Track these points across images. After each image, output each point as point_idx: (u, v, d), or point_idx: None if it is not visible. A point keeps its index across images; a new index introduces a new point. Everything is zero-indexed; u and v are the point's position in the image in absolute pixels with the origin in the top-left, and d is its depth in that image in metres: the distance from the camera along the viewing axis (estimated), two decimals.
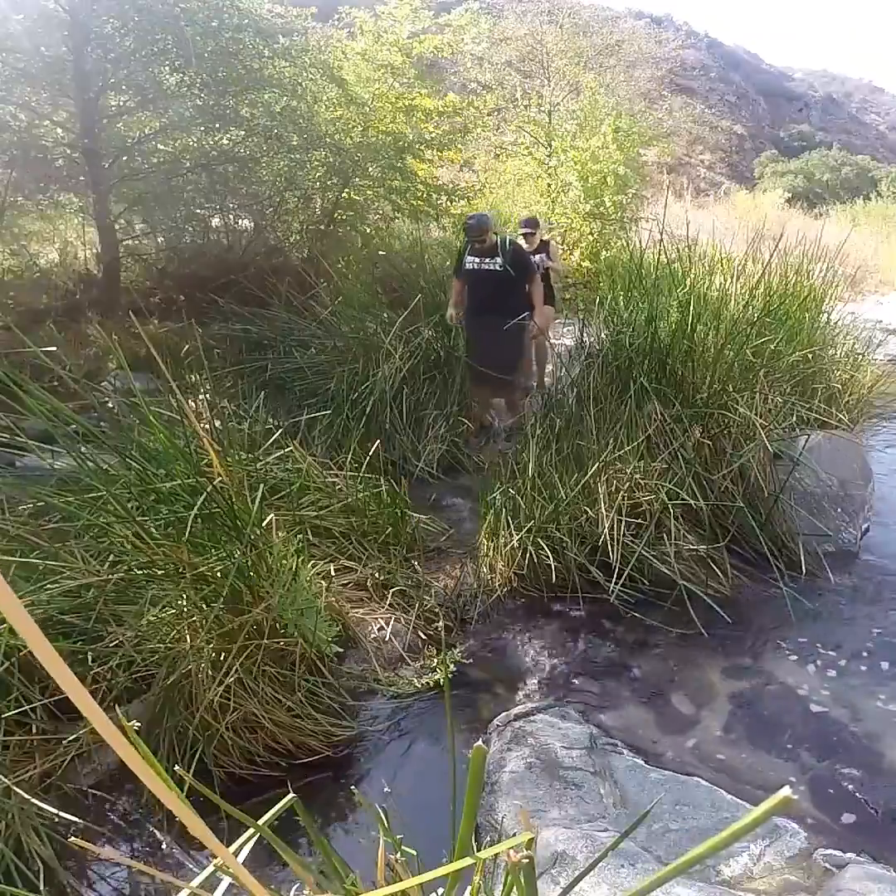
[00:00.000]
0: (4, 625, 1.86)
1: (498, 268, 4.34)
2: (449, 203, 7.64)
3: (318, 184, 6.83)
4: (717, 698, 2.45)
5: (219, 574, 2.12)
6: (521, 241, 5.14)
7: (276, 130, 5.98)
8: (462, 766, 2.11)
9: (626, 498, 3.06)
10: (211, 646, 2.10)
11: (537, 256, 5.14)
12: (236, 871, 0.52)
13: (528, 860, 0.61)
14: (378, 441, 3.37)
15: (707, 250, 4.85)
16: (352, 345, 4.71)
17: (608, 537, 2.92)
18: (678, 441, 3.24)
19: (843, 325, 4.93)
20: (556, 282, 5.47)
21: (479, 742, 0.63)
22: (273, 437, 3.00)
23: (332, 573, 2.75)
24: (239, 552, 2.11)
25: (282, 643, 2.22)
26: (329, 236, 7.14)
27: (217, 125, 5.99)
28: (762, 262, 4.24)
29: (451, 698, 2.44)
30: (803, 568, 3.10)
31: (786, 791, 0.41)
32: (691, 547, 3.05)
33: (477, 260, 4.37)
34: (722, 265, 4.48)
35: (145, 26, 5.12)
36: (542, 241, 5.36)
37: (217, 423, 3.11)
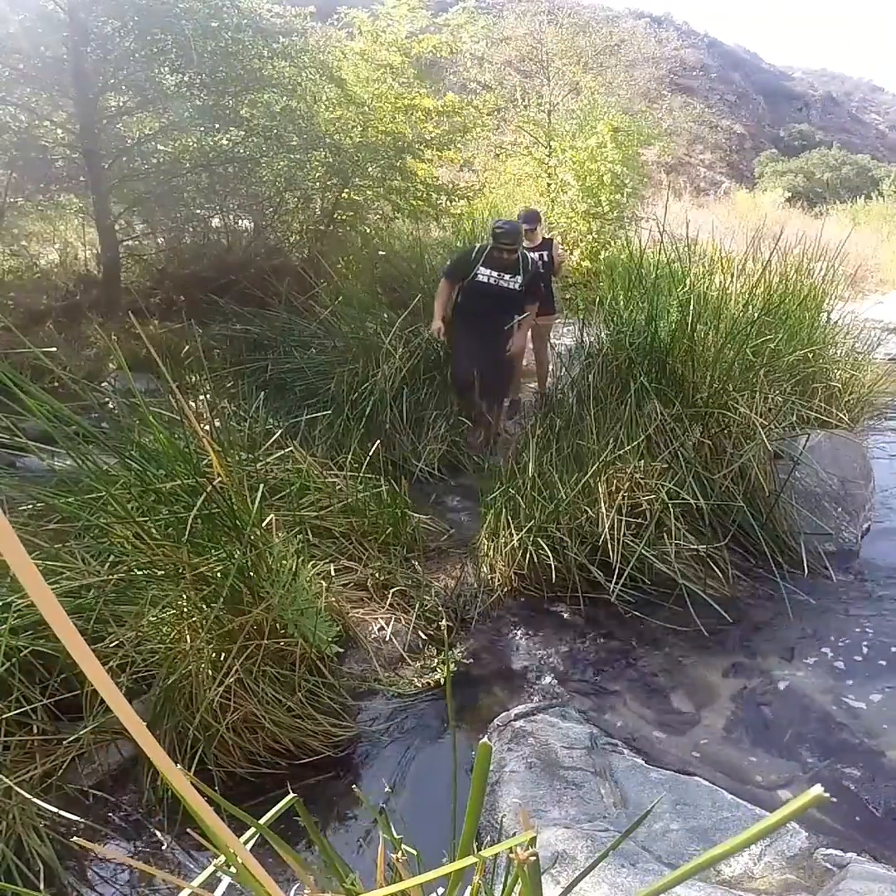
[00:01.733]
0: (5, 626, 1.87)
1: (517, 288, 3.92)
2: (449, 203, 7.64)
3: (317, 184, 6.83)
4: (718, 698, 2.45)
5: (219, 574, 2.12)
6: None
7: (275, 130, 5.98)
8: (463, 765, 2.12)
9: (626, 497, 3.06)
10: (211, 646, 2.10)
11: (535, 254, 4.86)
12: (246, 861, 0.52)
13: (533, 857, 0.60)
14: (378, 441, 3.37)
15: (707, 250, 4.85)
16: (352, 345, 4.70)
17: (608, 537, 2.92)
18: (678, 440, 3.24)
19: (844, 323, 4.93)
20: (556, 283, 5.26)
21: (484, 739, 0.63)
22: (273, 438, 3.00)
23: (333, 573, 2.75)
24: (239, 552, 2.11)
25: (282, 643, 2.22)
26: (329, 236, 7.14)
27: (217, 125, 5.99)
28: (762, 261, 4.24)
29: (452, 698, 2.44)
30: (804, 567, 3.09)
31: (817, 789, 0.41)
32: (692, 546, 3.05)
33: (495, 274, 3.90)
34: (722, 264, 4.48)
35: (145, 26, 5.11)
36: (544, 238, 5.04)
37: (217, 424, 3.11)
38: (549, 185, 9.62)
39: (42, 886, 1.69)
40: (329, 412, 4.00)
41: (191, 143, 6.29)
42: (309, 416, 3.76)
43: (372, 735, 2.29)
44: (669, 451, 3.22)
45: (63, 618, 0.34)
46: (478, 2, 7.96)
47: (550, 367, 5.05)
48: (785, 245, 4.52)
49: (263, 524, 2.32)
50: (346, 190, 6.86)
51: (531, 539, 2.99)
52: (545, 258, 4.89)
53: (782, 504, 3.29)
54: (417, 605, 2.83)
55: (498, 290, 3.91)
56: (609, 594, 2.84)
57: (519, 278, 3.90)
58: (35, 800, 1.79)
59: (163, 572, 2.11)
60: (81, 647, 0.36)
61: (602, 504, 3.00)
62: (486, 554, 3.14)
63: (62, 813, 1.78)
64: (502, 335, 4.02)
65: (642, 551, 2.93)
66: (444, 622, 2.79)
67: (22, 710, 1.94)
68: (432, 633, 2.76)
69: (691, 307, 3.58)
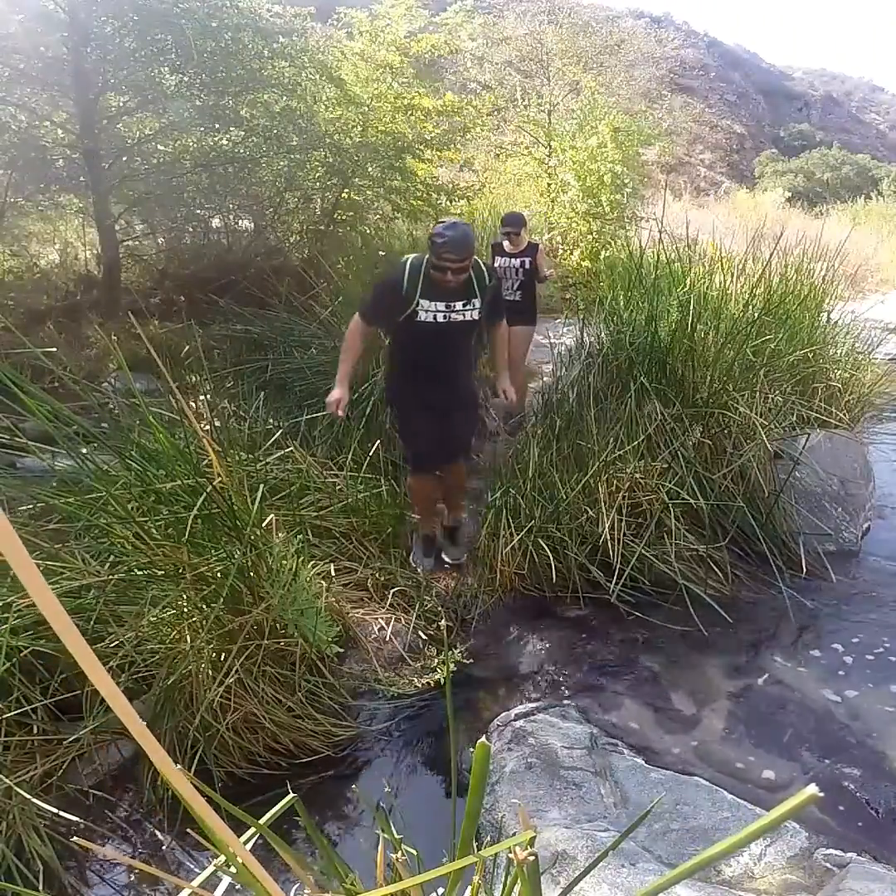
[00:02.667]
0: (5, 626, 1.87)
1: (475, 317, 2.75)
2: (449, 203, 7.65)
3: (317, 184, 6.84)
4: (718, 698, 2.45)
5: (219, 574, 2.12)
6: (504, 243, 4.57)
7: (275, 131, 5.98)
8: (463, 765, 2.12)
9: (626, 498, 3.06)
10: (211, 646, 2.10)
11: (517, 260, 4.50)
12: (246, 860, 0.52)
13: (532, 857, 0.61)
14: (378, 441, 3.37)
15: (707, 250, 4.85)
16: None
17: (608, 537, 2.92)
18: (678, 440, 3.24)
19: (844, 323, 4.93)
20: (540, 292, 4.74)
21: (483, 739, 0.63)
22: (273, 438, 3.00)
23: (333, 573, 2.75)
24: (239, 553, 2.11)
25: (282, 643, 2.22)
26: (329, 237, 7.14)
27: (217, 126, 5.99)
28: (762, 261, 4.24)
29: (452, 698, 2.44)
30: (804, 567, 3.10)
31: (812, 788, 0.41)
32: (692, 546, 3.05)
33: (442, 307, 2.67)
34: (722, 264, 4.48)
35: (145, 26, 5.11)
36: (529, 243, 4.60)
37: (217, 424, 3.11)
38: (549, 185, 9.63)
39: (42, 886, 1.69)
40: (329, 412, 3.99)
41: (191, 143, 6.29)
42: (309, 416, 3.76)
43: (372, 735, 2.29)
44: (669, 451, 3.22)
45: (65, 619, 0.34)
46: (476, 1, 7.96)
47: (529, 397, 4.76)
48: (785, 245, 4.52)
49: (263, 524, 2.32)
50: (346, 190, 6.86)
51: (531, 539, 2.99)
52: (527, 265, 4.50)
53: (782, 504, 3.29)
54: (417, 605, 2.83)
55: (453, 327, 2.72)
56: (609, 594, 2.84)
57: (476, 303, 2.72)
58: (35, 800, 1.79)
59: (163, 572, 2.11)
60: (83, 647, 0.36)
61: (602, 504, 3.00)
62: (486, 554, 3.14)
63: (62, 813, 1.78)
64: (458, 383, 2.96)
65: (642, 551, 2.93)
66: (443, 622, 2.80)
67: (22, 710, 1.94)
68: (432, 633, 2.76)
69: (691, 307, 3.58)
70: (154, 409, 2.32)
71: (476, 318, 2.77)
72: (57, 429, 2.06)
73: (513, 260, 4.54)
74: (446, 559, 3.10)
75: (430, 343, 2.75)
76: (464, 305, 2.71)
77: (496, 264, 4.57)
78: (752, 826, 0.46)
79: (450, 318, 2.70)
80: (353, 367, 2.91)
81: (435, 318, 2.68)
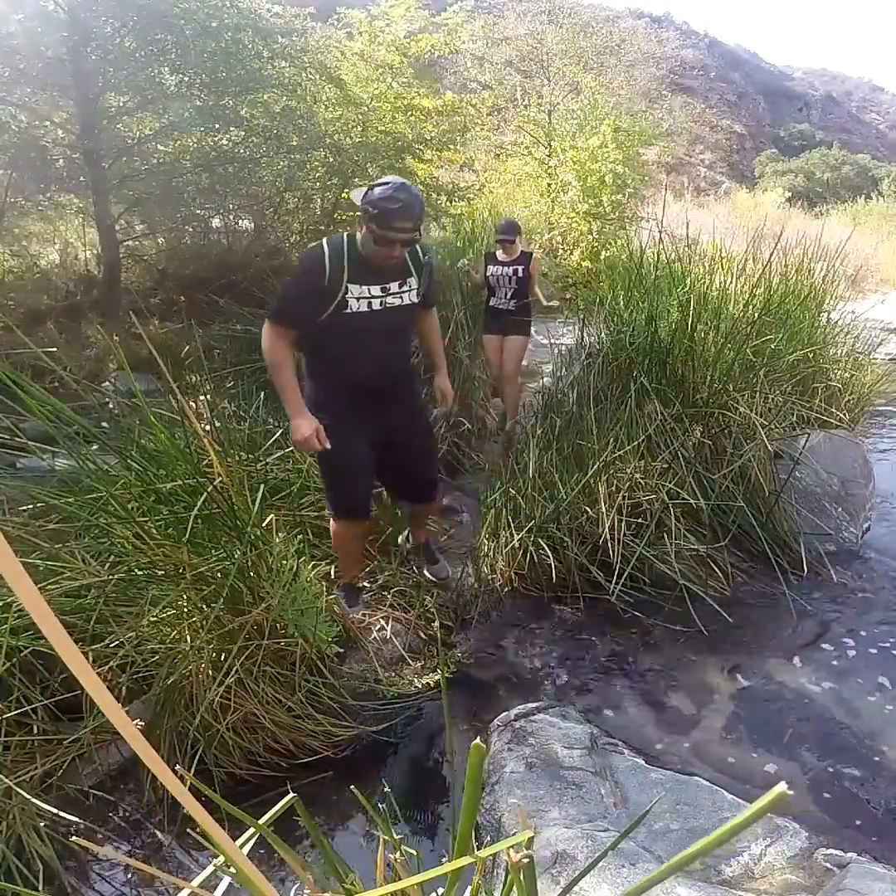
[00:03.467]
0: (5, 626, 1.87)
1: (413, 300, 2.34)
2: (448, 203, 7.65)
3: (317, 184, 6.85)
4: (718, 698, 2.45)
5: (219, 574, 2.12)
6: (497, 252, 4.48)
7: (275, 131, 6.00)
8: (462, 766, 2.11)
9: (626, 497, 3.06)
10: (211, 646, 2.10)
11: (510, 268, 4.42)
12: (242, 864, 0.52)
13: (528, 859, 0.61)
14: None
15: (707, 250, 4.85)
16: None
17: (609, 537, 2.92)
18: (678, 440, 3.24)
19: (844, 324, 4.93)
20: (535, 297, 4.60)
21: (477, 740, 0.63)
22: (273, 438, 3.00)
23: (333, 574, 2.75)
24: (239, 553, 2.11)
25: (282, 643, 2.22)
26: (329, 236, 7.15)
27: (217, 126, 6.00)
28: (762, 261, 4.24)
29: (452, 698, 2.44)
30: (804, 567, 3.10)
31: (781, 786, 0.42)
32: (692, 546, 3.05)
33: (377, 291, 2.23)
34: (722, 264, 4.48)
35: (145, 26, 5.12)
36: (522, 252, 4.48)
37: (217, 424, 3.11)
38: (549, 185, 9.64)
39: (42, 886, 1.69)
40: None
41: (191, 144, 6.30)
42: None
43: (372, 735, 2.29)
44: (669, 451, 3.22)
45: (57, 627, 0.34)
46: (477, 1, 7.97)
47: (521, 397, 4.75)
48: (785, 245, 4.53)
49: (263, 524, 2.32)
50: (346, 190, 6.87)
51: (531, 539, 2.99)
52: (520, 273, 4.42)
53: (782, 504, 3.29)
54: (417, 605, 2.83)
55: (390, 316, 2.28)
56: (609, 594, 2.84)
57: (413, 283, 2.32)
58: (35, 800, 1.79)
59: (163, 572, 2.11)
60: (74, 652, 0.36)
61: (602, 504, 3.00)
62: (486, 554, 3.14)
63: (62, 813, 1.78)
64: (410, 391, 2.58)
65: (642, 551, 2.93)
66: (443, 622, 2.79)
67: (22, 710, 1.94)
68: (432, 633, 2.76)
69: (691, 307, 3.57)
70: (154, 409, 2.31)
71: (414, 300, 2.33)
72: (57, 429, 2.06)
73: (506, 268, 4.46)
74: (430, 577, 2.96)
75: (363, 340, 2.24)
76: (400, 287, 2.27)
77: (489, 273, 4.51)
78: (724, 826, 0.46)
79: (386, 303, 2.24)
80: (295, 381, 2.27)
81: (369, 305, 2.21)
